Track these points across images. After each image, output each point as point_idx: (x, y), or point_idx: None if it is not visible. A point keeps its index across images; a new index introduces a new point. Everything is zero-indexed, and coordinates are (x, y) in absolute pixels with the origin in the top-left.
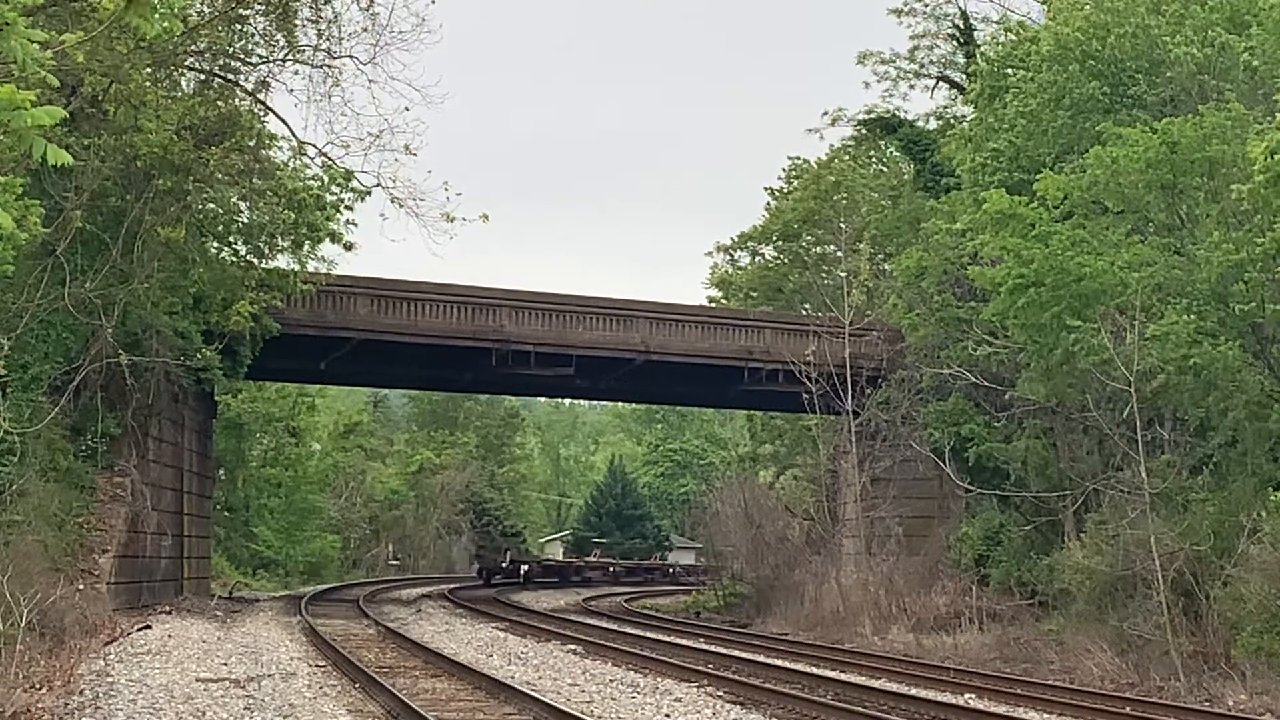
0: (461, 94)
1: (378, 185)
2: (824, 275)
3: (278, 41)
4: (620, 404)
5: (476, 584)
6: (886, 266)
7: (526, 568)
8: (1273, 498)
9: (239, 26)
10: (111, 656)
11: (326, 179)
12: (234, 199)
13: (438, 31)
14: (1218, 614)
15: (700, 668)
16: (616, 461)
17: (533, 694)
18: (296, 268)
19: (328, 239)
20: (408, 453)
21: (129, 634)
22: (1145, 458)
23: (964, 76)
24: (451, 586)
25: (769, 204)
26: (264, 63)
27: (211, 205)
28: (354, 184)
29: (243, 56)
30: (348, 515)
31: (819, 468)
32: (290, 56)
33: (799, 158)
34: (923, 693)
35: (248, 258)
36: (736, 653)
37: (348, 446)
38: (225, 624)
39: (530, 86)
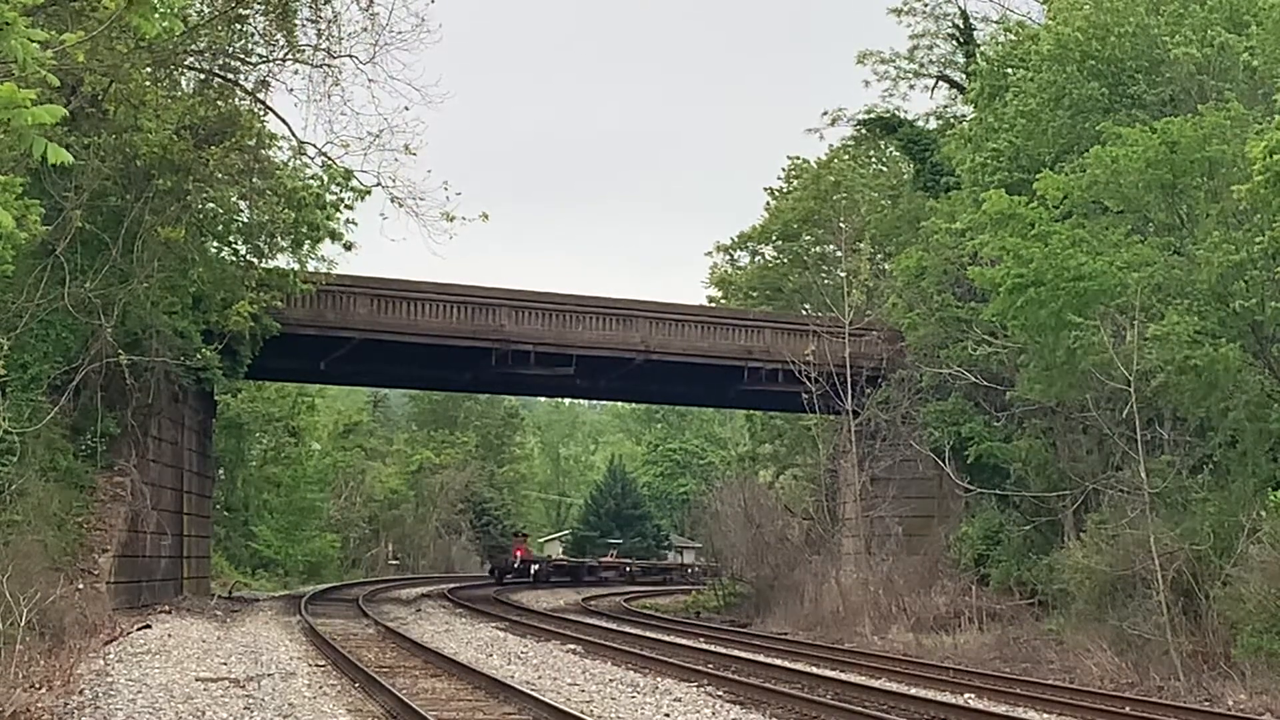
0: (461, 94)
1: (378, 185)
2: (824, 275)
3: (277, 41)
4: (620, 404)
5: (477, 584)
6: (886, 266)
7: (537, 567)
8: (1273, 498)
9: (239, 26)
10: (111, 656)
11: (326, 178)
12: (234, 198)
13: (437, 31)
14: (1218, 614)
15: (700, 667)
16: (616, 461)
17: (532, 694)
18: (296, 267)
19: (327, 238)
20: (408, 452)
21: (129, 633)
22: (1145, 458)
23: (964, 76)
24: (451, 586)
25: (769, 204)
26: (264, 62)
27: (211, 205)
28: (354, 183)
29: (243, 56)
30: (347, 515)
31: (819, 467)
32: (290, 56)
33: (799, 158)
34: (923, 692)
35: (248, 257)
36: (736, 652)
37: (347, 446)
38: (225, 624)
39: (530, 86)
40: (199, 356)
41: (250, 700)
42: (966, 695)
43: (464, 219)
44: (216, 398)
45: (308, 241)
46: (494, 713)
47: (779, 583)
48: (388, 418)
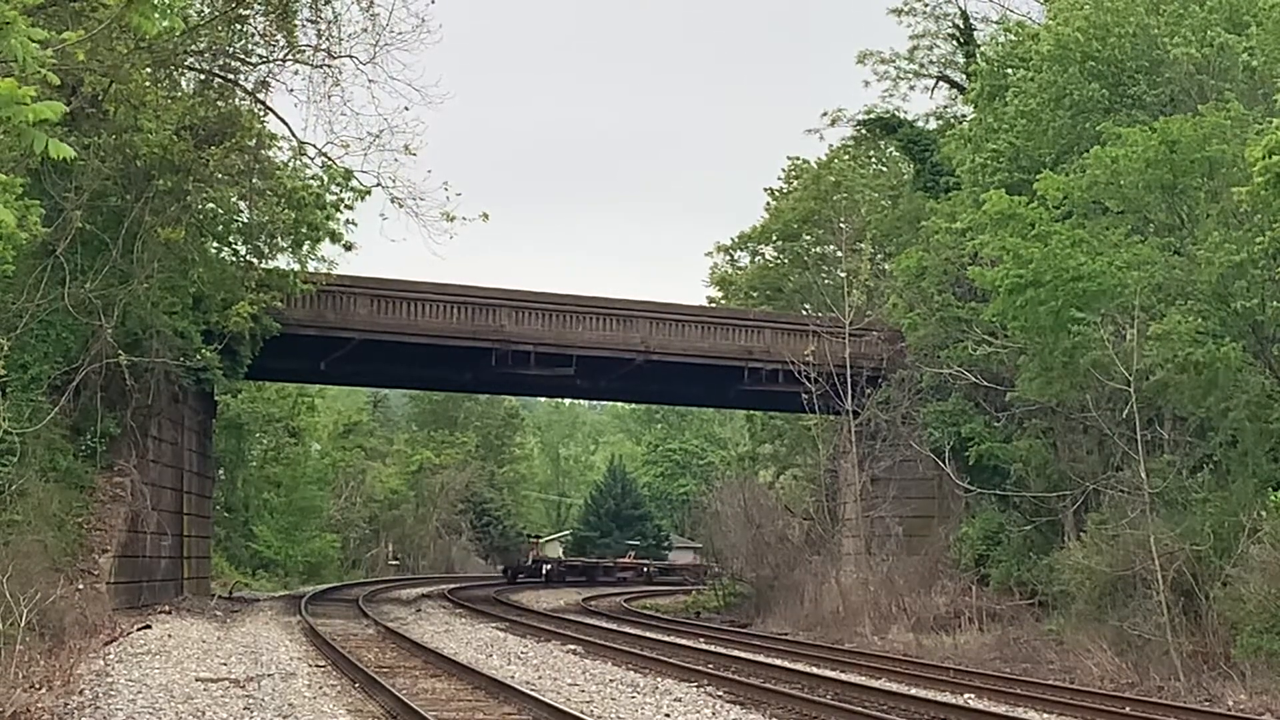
0: (461, 94)
1: (378, 185)
2: (824, 275)
3: (278, 41)
4: (620, 404)
5: (478, 584)
6: (886, 266)
7: (549, 567)
8: (1273, 498)
9: (239, 26)
10: (111, 656)
11: (326, 179)
12: (234, 199)
13: (437, 31)
14: (1218, 614)
15: (700, 668)
16: (616, 461)
17: (532, 694)
18: (296, 268)
19: (327, 239)
20: (408, 452)
21: (129, 634)
22: (1145, 458)
23: (964, 76)
24: (451, 586)
25: (769, 204)
26: (264, 63)
27: (211, 205)
28: (354, 184)
29: (243, 56)
30: (347, 515)
31: (819, 468)
32: (290, 56)
33: (799, 158)
34: (923, 693)
35: (248, 258)
36: (736, 653)
37: (347, 446)
38: (225, 624)
39: (530, 86)
40: (199, 357)
41: (250, 700)
42: (966, 695)
43: (464, 219)
44: (216, 398)
45: (308, 242)
46: (494, 713)
47: (779, 583)
48: (388, 418)
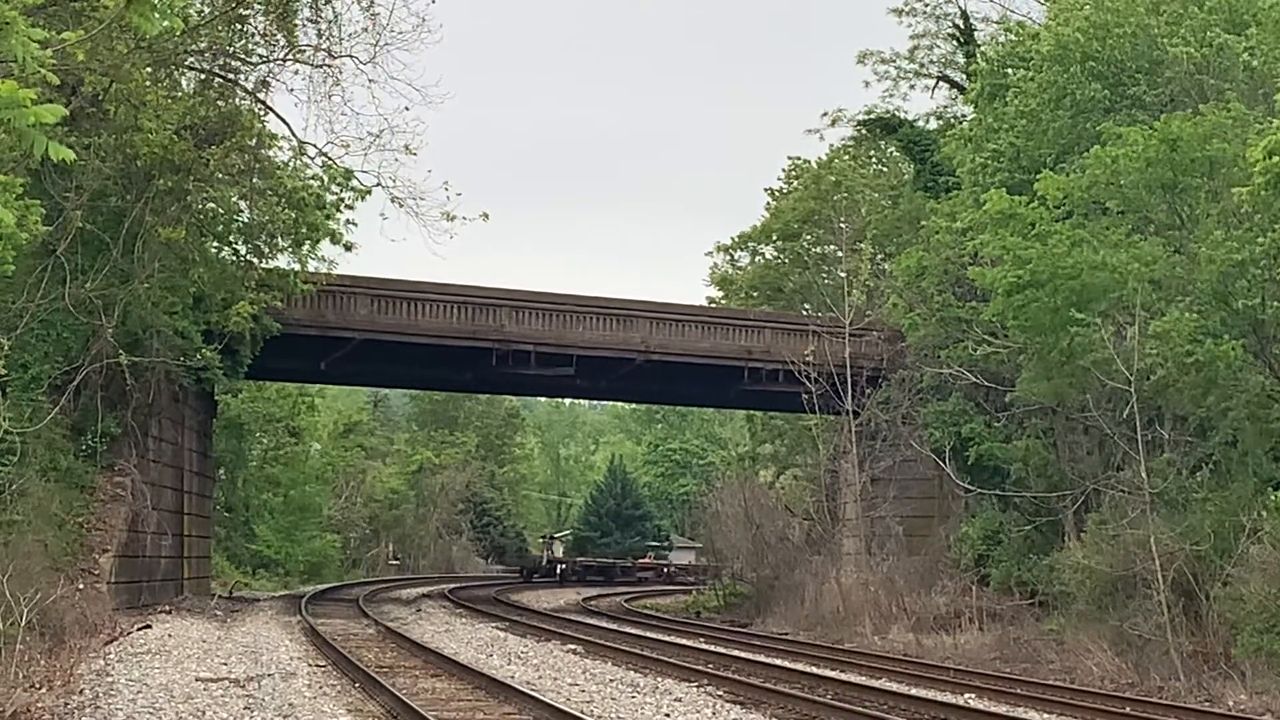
0: (461, 94)
1: (378, 185)
2: (824, 275)
3: (278, 41)
4: (620, 404)
5: (478, 584)
6: (886, 266)
7: (564, 567)
8: (1273, 498)
9: (239, 26)
10: (111, 656)
11: (326, 179)
12: (234, 199)
13: (438, 31)
14: (1218, 614)
15: (700, 667)
16: (616, 461)
17: (532, 694)
18: (297, 268)
19: (327, 239)
20: (408, 452)
21: (129, 634)
22: (1145, 457)
23: (964, 76)
24: (452, 586)
25: (769, 204)
26: (264, 62)
27: (211, 205)
28: (354, 184)
29: (243, 56)
30: (348, 515)
31: (819, 468)
32: (290, 56)
33: (799, 158)
34: (923, 693)
35: (248, 258)
36: (736, 652)
37: (348, 446)
38: (225, 624)
39: (530, 86)
40: (199, 356)
41: (250, 700)
42: (967, 695)
43: (464, 219)
44: (217, 398)
45: (308, 242)
46: (494, 713)
47: (779, 583)
48: (388, 418)
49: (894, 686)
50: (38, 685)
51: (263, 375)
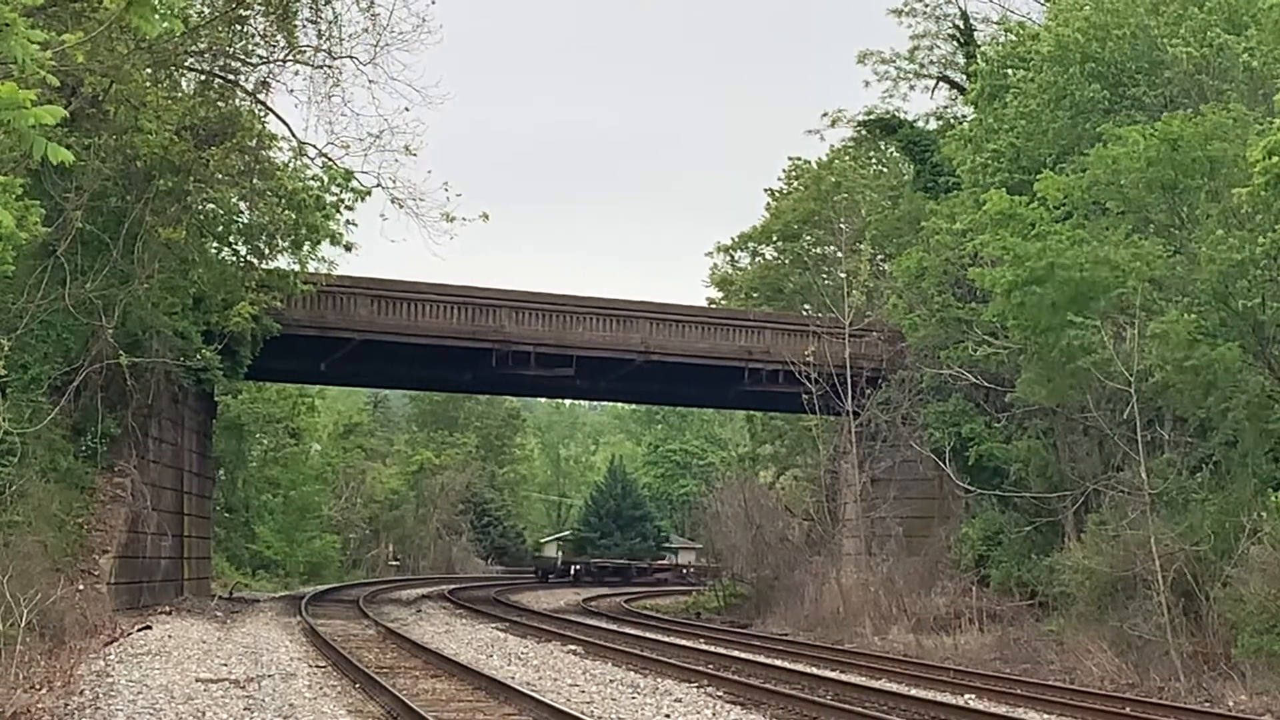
0: (461, 94)
1: (378, 185)
2: (824, 275)
3: (278, 42)
4: (620, 404)
5: (479, 584)
6: (886, 267)
7: (578, 568)
8: (1273, 498)
9: (239, 27)
10: (111, 657)
11: (326, 179)
12: (234, 199)
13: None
14: (1218, 614)
15: (700, 668)
16: (616, 462)
17: (533, 694)
18: (297, 268)
19: (327, 240)
20: (408, 453)
21: (129, 634)
22: (1145, 458)
23: (964, 76)
24: (452, 587)
25: (769, 204)
26: (264, 63)
27: (211, 206)
28: (354, 184)
29: (243, 57)
30: (348, 515)
31: (819, 468)
32: (290, 57)
33: (799, 158)
34: (923, 693)
35: (248, 258)
36: (736, 653)
37: (347, 447)
38: (225, 624)
39: (530, 86)
40: (199, 357)
41: (250, 701)
42: (967, 696)
43: (464, 219)
44: (217, 398)
45: (308, 243)
46: (494, 713)
47: (779, 583)
48: (388, 418)
49: (894, 687)
50: (38, 686)
51: (263, 376)
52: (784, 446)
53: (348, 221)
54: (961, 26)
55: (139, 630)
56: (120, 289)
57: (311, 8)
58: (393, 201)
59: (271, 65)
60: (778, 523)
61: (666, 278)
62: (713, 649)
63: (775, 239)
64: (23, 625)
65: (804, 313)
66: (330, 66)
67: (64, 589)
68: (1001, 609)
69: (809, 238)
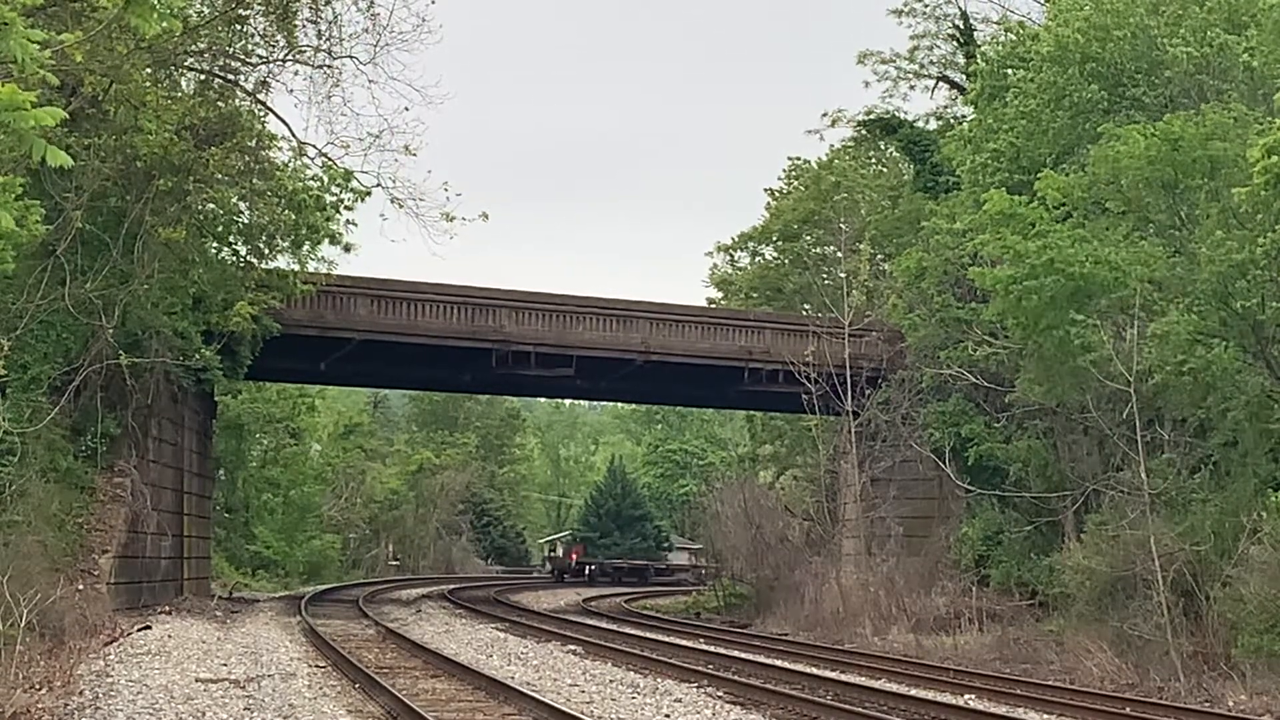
0: (461, 94)
1: (378, 185)
2: (824, 275)
3: (278, 42)
4: (620, 404)
5: (478, 584)
6: (886, 267)
7: (592, 568)
8: (1273, 498)
9: (239, 26)
10: (111, 657)
11: (326, 179)
12: (234, 199)
13: (438, 32)
14: (1218, 614)
15: (700, 668)
16: (616, 462)
17: (533, 694)
18: (296, 268)
19: (327, 240)
20: (408, 453)
21: (129, 634)
22: (1145, 458)
23: (964, 76)
24: (452, 587)
25: (769, 204)
26: (264, 63)
27: (211, 206)
28: (354, 184)
29: (243, 57)
30: (347, 516)
31: (819, 468)
32: (290, 57)
33: (799, 158)
34: (923, 693)
35: (248, 258)
36: (736, 653)
37: (347, 447)
38: (225, 624)
39: (530, 86)
40: (199, 357)
41: (250, 701)
42: (966, 696)
43: (464, 219)
44: (217, 398)
45: (308, 243)
46: (494, 713)
47: (779, 583)
48: (388, 418)
49: (894, 687)
50: (37, 686)
51: (263, 376)
52: (784, 446)
53: (347, 221)
54: (961, 26)
55: (139, 630)
56: (120, 289)
57: (311, 8)
58: (392, 201)
59: (271, 65)
60: (777, 523)
61: (666, 278)
62: (713, 649)
63: (775, 239)
64: (23, 625)
65: (804, 313)
66: (330, 66)
67: (64, 589)
68: (1001, 609)
69: (809, 238)
